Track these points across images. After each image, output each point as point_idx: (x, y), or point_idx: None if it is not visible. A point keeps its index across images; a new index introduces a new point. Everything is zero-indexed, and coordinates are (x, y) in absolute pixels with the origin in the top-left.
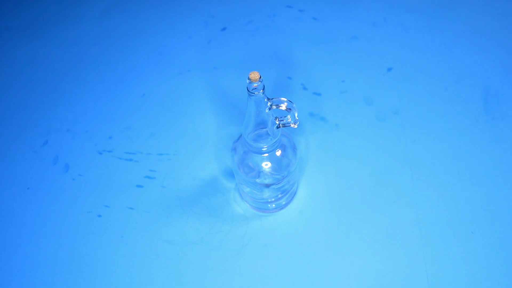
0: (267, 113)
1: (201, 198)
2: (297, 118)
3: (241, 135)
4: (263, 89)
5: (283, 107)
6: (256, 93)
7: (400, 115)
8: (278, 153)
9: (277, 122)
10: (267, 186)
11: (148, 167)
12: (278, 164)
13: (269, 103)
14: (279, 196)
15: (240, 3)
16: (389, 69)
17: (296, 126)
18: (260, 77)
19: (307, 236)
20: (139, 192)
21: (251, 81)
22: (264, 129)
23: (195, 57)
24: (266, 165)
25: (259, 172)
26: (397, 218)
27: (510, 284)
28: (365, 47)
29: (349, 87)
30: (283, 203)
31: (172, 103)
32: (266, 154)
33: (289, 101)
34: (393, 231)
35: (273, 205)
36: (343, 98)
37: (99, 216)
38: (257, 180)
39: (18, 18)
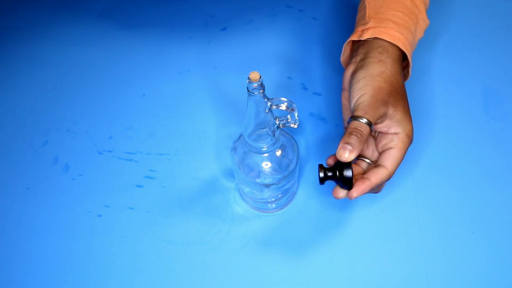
0: (267, 113)
1: (201, 198)
2: (297, 118)
3: (241, 135)
4: (263, 89)
5: (283, 107)
6: (256, 93)
7: None
8: (278, 153)
9: (277, 122)
10: (267, 186)
11: (148, 167)
12: (278, 164)
13: (269, 103)
14: (279, 196)
15: (240, 3)
16: None
17: (296, 126)
18: (260, 77)
19: (307, 236)
20: (139, 192)
21: (251, 81)
22: (264, 129)
23: (195, 57)
24: (266, 165)
25: (259, 172)
26: (397, 218)
27: (510, 284)
28: None
29: None
30: (283, 203)
31: (172, 103)
32: (266, 154)
33: (289, 101)
34: (393, 231)
35: (273, 205)
36: None
37: (99, 216)
38: (257, 180)
39: (18, 18)
